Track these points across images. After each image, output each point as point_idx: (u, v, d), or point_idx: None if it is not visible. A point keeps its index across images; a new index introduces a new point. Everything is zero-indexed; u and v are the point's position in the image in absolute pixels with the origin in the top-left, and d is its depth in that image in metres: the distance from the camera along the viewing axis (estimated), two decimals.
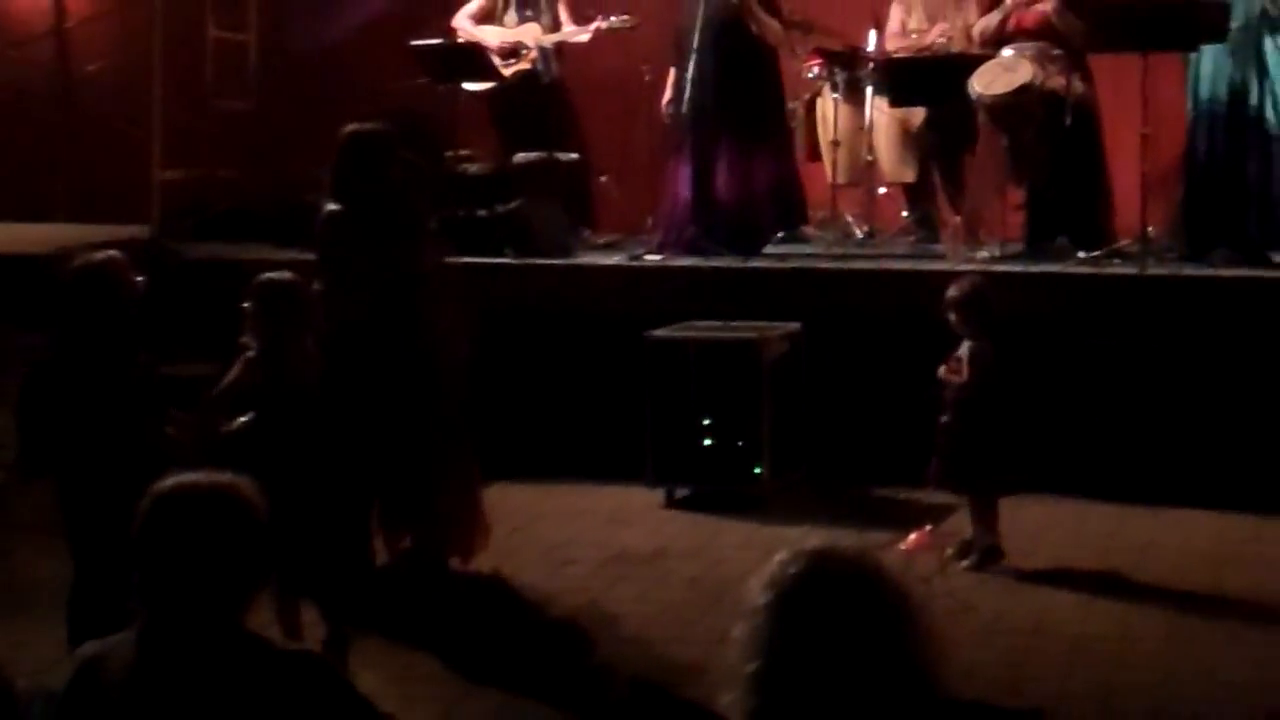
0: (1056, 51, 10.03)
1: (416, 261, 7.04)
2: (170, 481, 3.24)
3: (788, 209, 10.62)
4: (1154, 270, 9.34)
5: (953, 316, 7.43)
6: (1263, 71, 9.76)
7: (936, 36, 10.96)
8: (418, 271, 7.02)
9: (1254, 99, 9.79)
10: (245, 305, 6.35)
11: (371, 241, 6.92)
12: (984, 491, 7.43)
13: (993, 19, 10.27)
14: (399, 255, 6.96)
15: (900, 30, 11.16)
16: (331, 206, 7.05)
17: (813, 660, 2.68)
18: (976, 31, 10.45)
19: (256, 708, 3.14)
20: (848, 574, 2.75)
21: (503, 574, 7.17)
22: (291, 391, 6.26)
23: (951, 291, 7.47)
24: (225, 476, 3.27)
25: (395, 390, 6.89)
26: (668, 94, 10.58)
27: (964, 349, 7.40)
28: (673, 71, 10.52)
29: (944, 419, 7.42)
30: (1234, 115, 9.86)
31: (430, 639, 6.41)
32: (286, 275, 6.66)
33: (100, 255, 6.13)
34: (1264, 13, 9.70)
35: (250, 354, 6.29)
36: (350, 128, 7.12)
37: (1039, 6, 10.12)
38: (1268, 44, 9.75)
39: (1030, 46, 10.03)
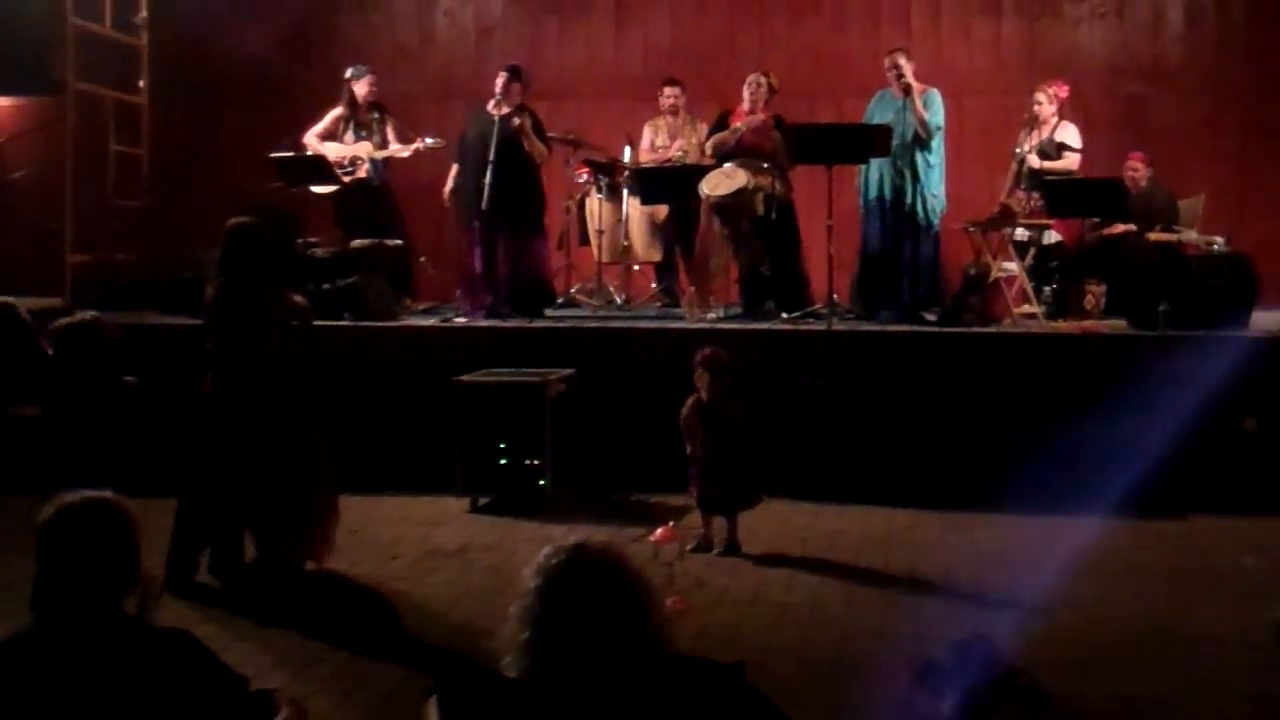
0: (766, 164, 10.22)
1: (286, 323, 6.95)
2: (66, 497, 3.19)
3: (548, 286, 10.71)
4: (838, 326, 9.53)
5: (698, 372, 7.46)
6: (915, 178, 10.05)
7: (676, 151, 11.12)
8: (288, 332, 6.93)
9: (909, 198, 10.09)
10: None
11: (250, 307, 6.82)
12: (732, 511, 7.49)
13: (727, 138, 10.41)
14: (276, 320, 6.88)
15: (650, 147, 11.32)
16: (218, 281, 6.93)
17: (569, 629, 2.70)
18: (710, 146, 10.56)
19: (140, 675, 3.08)
20: (597, 562, 2.78)
21: (345, 566, 7.08)
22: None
23: (698, 356, 7.48)
24: (108, 493, 3.23)
25: (271, 427, 6.80)
26: (449, 185, 10.61)
27: (704, 396, 7.42)
28: (454, 167, 10.57)
29: (699, 457, 7.42)
30: (894, 211, 10.14)
31: (287, 618, 6.28)
32: (86, 316, 6.64)
33: (83, 314, 6.26)
34: (915, 135, 10.00)
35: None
36: (234, 220, 6.95)
37: (767, 132, 10.30)
38: (918, 157, 10.05)
39: (749, 160, 10.20)
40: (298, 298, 7.11)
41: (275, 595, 6.59)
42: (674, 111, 11.29)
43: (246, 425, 6.74)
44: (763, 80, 10.46)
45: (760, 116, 10.39)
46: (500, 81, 10.15)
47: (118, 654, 3.09)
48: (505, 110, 10.06)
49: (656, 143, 11.31)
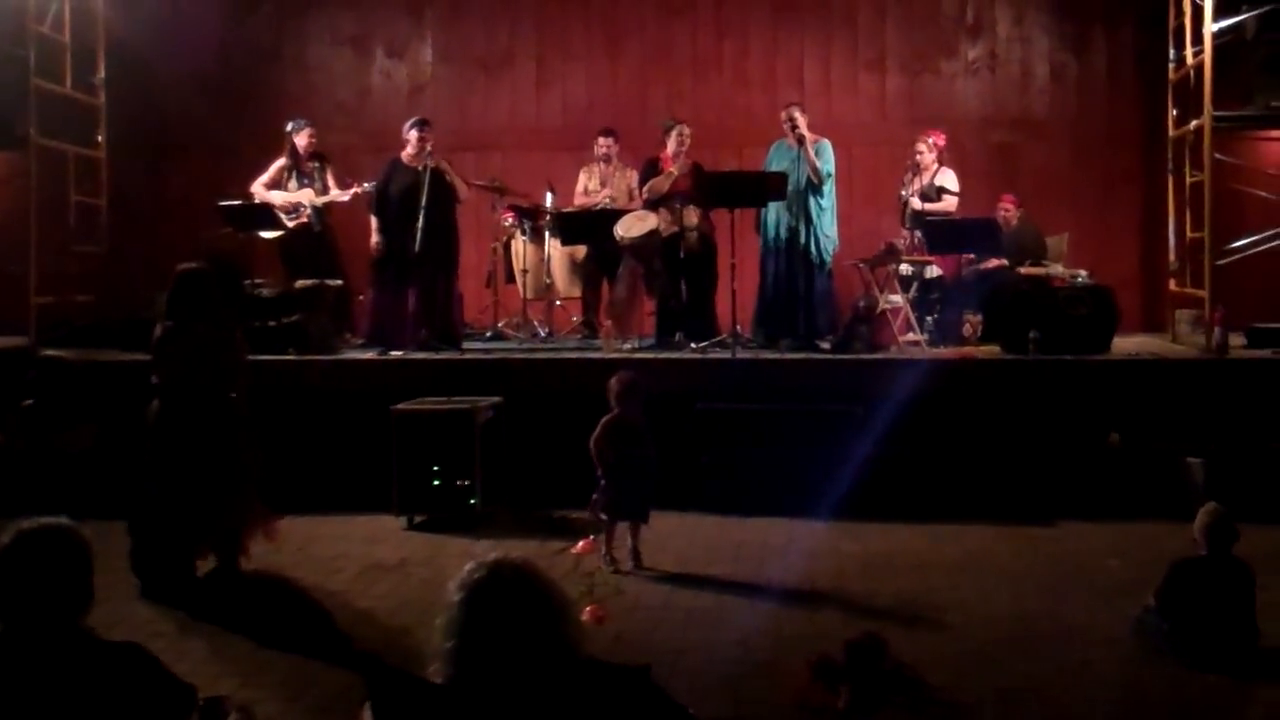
0: (691, 206, 10.26)
1: (228, 360, 6.89)
2: (24, 524, 3.16)
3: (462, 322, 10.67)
4: (741, 355, 9.55)
5: (614, 398, 7.43)
6: (808, 220, 10.12)
7: (605, 196, 11.13)
8: (228, 368, 6.87)
9: (803, 239, 10.15)
10: None
11: (195, 346, 6.75)
12: (635, 519, 7.45)
13: (662, 182, 10.44)
14: (215, 355, 6.82)
15: (583, 191, 11.35)
16: (166, 323, 6.85)
17: (489, 638, 2.68)
18: (646, 189, 10.56)
19: (93, 686, 3.06)
20: (513, 576, 2.76)
21: (291, 580, 7.01)
22: None
23: (613, 382, 7.42)
24: (63, 520, 3.20)
25: (211, 450, 6.73)
26: (375, 237, 10.36)
27: (614, 420, 7.35)
28: (374, 220, 10.39)
29: (611, 469, 7.32)
30: (791, 250, 10.19)
31: (240, 625, 6.21)
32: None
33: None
34: (808, 181, 10.07)
35: None
36: (182, 266, 6.90)
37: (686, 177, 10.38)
38: (811, 202, 10.12)
39: (681, 201, 10.30)
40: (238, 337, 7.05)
41: (227, 605, 6.50)
42: (606, 159, 11.33)
43: (189, 448, 6.69)
44: (686, 131, 10.51)
45: (688, 162, 10.47)
46: (419, 135, 10.14)
47: (73, 666, 3.07)
48: (424, 162, 10.02)
49: (589, 187, 11.33)
